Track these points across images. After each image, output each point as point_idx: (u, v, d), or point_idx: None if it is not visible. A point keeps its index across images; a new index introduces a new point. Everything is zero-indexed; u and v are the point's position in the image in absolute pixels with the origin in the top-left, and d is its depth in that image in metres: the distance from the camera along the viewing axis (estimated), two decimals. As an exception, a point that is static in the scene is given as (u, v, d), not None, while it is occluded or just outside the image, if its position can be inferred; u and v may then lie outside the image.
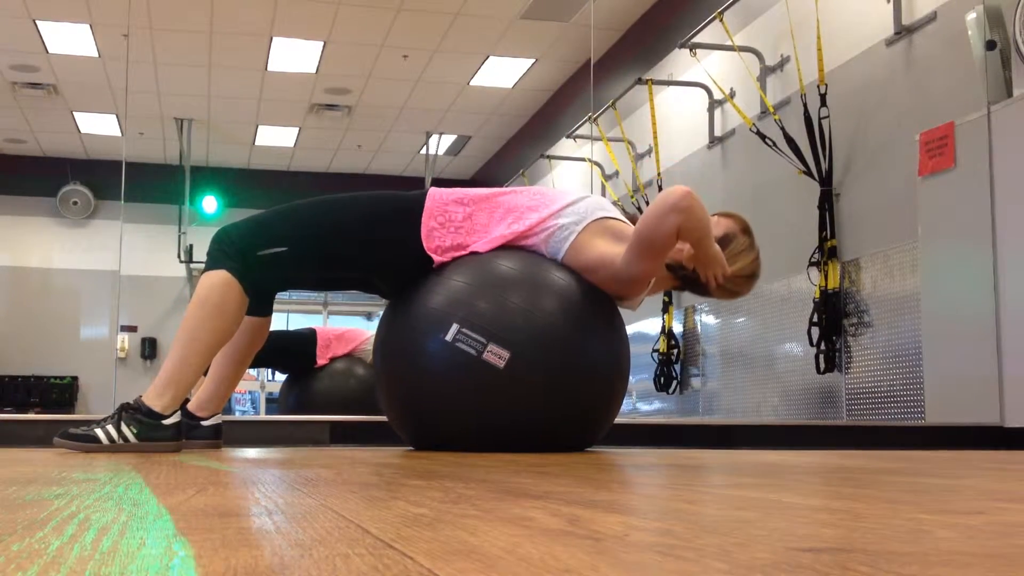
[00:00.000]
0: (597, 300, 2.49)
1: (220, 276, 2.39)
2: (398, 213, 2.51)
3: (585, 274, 2.46)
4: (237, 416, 8.77)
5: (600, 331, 2.48)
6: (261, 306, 2.56)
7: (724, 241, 2.50)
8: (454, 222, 2.48)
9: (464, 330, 2.32)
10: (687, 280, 2.54)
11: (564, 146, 8.16)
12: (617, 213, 2.57)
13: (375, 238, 2.49)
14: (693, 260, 2.43)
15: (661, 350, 6.51)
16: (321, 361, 5.34)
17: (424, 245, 2.46)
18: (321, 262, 2.52)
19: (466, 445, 2.43)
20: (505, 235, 2.48)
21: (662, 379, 6.51)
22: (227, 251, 2.42)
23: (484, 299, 2.37)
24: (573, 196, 2.55)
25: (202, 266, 2.47)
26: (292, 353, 5.32)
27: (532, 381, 2.34)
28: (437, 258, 2.46)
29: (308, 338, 5.33)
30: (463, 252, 2.47)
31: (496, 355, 2.31)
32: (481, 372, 2.32)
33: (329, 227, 2.49)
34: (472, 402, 2.37)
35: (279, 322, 10.23)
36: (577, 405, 2.44)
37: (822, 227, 4.77)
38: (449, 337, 2.33)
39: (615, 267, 2.39)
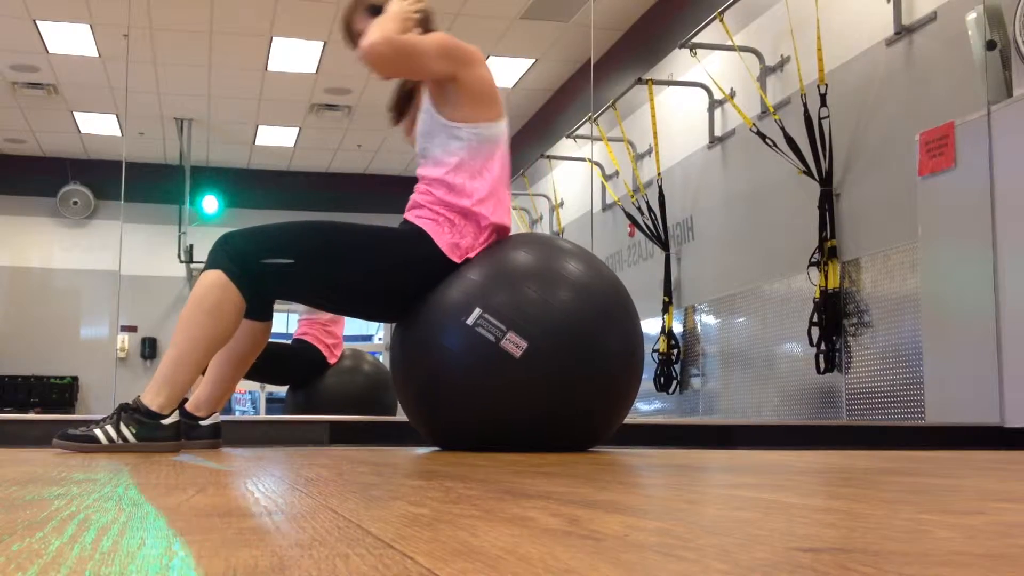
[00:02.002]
0: (614, 293, 2.52)
1: (216, 277, 2.39)
2: (407, 242, 2.52)
3: (463, 94, 2.57)
4: (237, 416, 8.78)
5: (616, 327, 2.50)
6: (261, 311, 2.55)
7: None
8: (457, 225, 2.51)
9: (486, 315, 2.34)
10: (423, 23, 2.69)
11: (564, 146, 8.16)
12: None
13: (392, 261, 2.50)
14: (395, 20, 2.54)
15: (661, 350, 6.50)
16: (332, 360, 5.37)
17: (451, 259, 2.49)
18: (325, 281, 2.50)
19: (478, 433, 2.44)
20: (477, 193, 2.54)
21: (662, 379, 6.51)
22: (228, 253, 2.42)
23: (505, 288, 2.40)
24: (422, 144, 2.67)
25: (202, 266, 2.47)
26: (298, 369, 5.32)
27: (546, 373, 2.36)
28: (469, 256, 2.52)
29: (310, 351, 5.34)
30: (488, 238, 2.52)
31: (514, 344, 2.32)
32: (497, 359, 2.33)
33: (340, 248, 2.49)
34: (486, 388, 2.38)
35: (279, 322, 10.22)
36: (589, 400, 2.45)
37: (822, 227, 4.77)
38: (471, 321, 2.35)
39: (444, 81, 2.56)
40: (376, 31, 2.49)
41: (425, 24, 2.67)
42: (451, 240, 2.50)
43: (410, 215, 2.59)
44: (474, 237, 2.52)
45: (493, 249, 2.52)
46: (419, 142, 2.67)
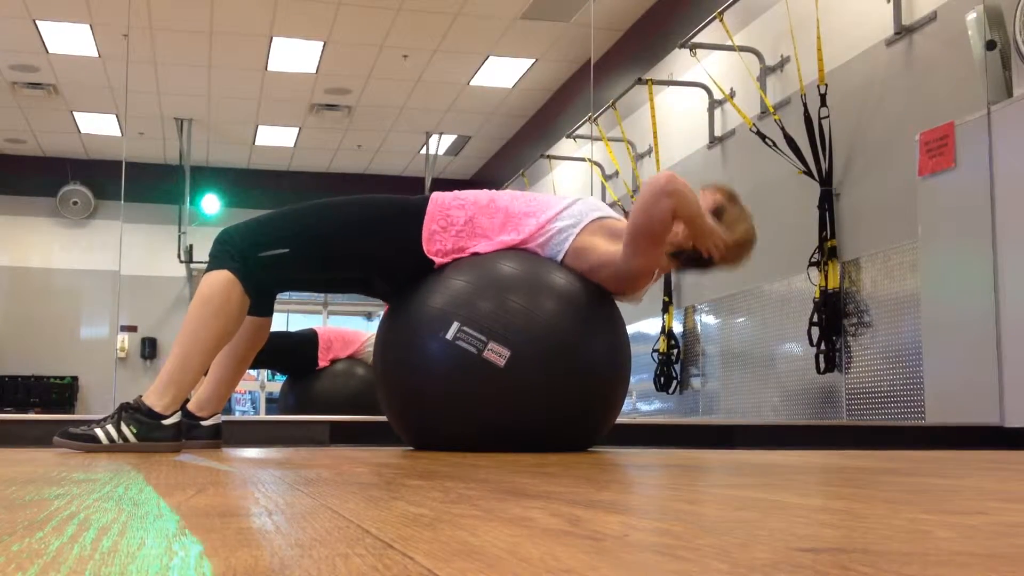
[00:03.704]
0: (598, 300, 2.50)
1: (222, 276, 2.40)
2: (400, 216, 2.52)
3: (587, 275, 2.47)
4: (237, 416, 8.77)
5: (600, 331, 2.48)
6: (262, 306, 2.56)
7: (716, 214, 2.52)
8: (455, 225, 2.50)
9: (465, 328, 2.33)
10: (688, 259, 2.53)
11: (564, 146, 8.16)
12: (613, 212, 2.59)
13: (376, 240, 2.50)
14: (690, 238, 2.43)
15: (661, 350, 6.50)
16: (322, 363, 5.34)
17: (424, 248, 2.47)
18: (323, 264, 2.52)
19: (466, 444, 2.43)
20: (504, 241, 2.49)
21: (662, 379, 6.51)
22: (230, 252, 2.42)
23: (485, 299, 2.38)
24: (568, 200, 2.56)
25: (202, 266, 2.49)
26: (292, 355, 5.32)
27: (532, 380, 2.34)
28: (438, 260, 2.47)
29: (309, 340, 5.33)
30: (463, 255, 2.49)
31: (496, 353, 2.31)
32: (481, 371, 2.32)
33: (331, 229, 2.50)
34: (472, 401, 2.37)
35: (279, 322, 10.22)
36: (577, 404, 2.44)
37: (822, 227, 4.77)
38: (450, 335, 2.34)
39: (616, 265, 2.41)
40: (696, 201, 2.35)
41: (690, 244, 2.45)
42: (434, 245, 2.48)
43: (451, 196, 2.56)
44: (456, 246, 2.50)
45: (471, 257, 2.49)
46: (547, 216, 2.52)
